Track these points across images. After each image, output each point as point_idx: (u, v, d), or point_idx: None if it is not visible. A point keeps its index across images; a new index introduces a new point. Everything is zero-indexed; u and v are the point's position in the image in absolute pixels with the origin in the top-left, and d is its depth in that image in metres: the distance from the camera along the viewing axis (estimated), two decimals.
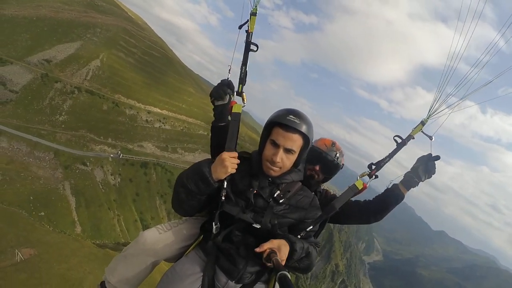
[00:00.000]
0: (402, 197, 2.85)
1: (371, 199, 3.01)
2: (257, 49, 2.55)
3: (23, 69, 77.60)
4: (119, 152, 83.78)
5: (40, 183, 64.77)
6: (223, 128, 2.58)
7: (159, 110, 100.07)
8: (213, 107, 2.61)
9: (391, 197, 2.86)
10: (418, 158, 2.81)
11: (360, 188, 2.75)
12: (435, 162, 2.76)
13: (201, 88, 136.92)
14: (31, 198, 60.16)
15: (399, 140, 2.86)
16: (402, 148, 2.89)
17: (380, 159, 2.89)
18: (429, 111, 2.82)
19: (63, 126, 76.93)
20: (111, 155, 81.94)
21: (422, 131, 2.84)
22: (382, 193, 2.94)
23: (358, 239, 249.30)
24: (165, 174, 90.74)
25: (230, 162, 2.13)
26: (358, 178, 2.82)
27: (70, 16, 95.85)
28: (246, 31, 2.57)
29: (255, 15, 2.56)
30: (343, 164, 3.21)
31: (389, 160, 2.87)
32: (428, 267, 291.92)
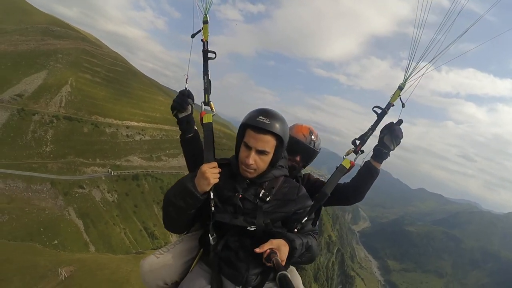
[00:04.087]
0: (377, 171, 2.80)
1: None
2: (216, 56, 2.59)
3: None
4: (110, 170, 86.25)
5: (46, 213, 66.18)
6: (193, 139, 2.68)
7: (136, 123, 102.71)
8: (176, 120, 2.62)
9: (366, 175, 2.82)
10: (381, 129, 2.77)
11: (348, 167, 2.74)
12: (400, 126, 2.71)
13: (168, 95, 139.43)
14: (41, 229, 61.85)
15: (379, 111, 2.78)
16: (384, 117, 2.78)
17: (363, 133, 2.84)
18: (405, 75, 2.70)
19: (51, 156, 78.25)
20: (103, 175, 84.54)
21: (399, 97, 2.73)
22: (357, 172, 2.89)
23: (343, 211, 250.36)
24: (156, 182, 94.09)
25: (211, 173, 2.16)
26: (344, 157, 2.79)
27: (29, 47, 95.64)
28: (202, 40, 2.60)
29: (207, 23, 2.58)
30: (320, 149, 3.26)
31: (372, 133, 2.82)
32: (414, 223, 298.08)
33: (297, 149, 3.02)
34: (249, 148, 2.14)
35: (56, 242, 61.78)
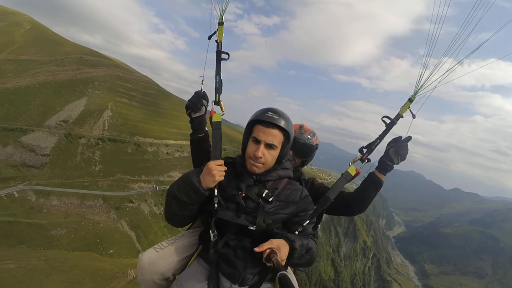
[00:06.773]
0: (381, 183, 2.78)
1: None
2: (229, 57, 2.61)
3: (46, 134, 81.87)
4: (154, 185, 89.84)
5: (101, 226, 70.09)
6: (203, 139, 2.71)
7: (174, 142, 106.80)
8: (189, 119, 2.65)
9: (370, 186, 2.80)
10: (389, 142, 2.77)
11: (353, 174, 2.74)
12: (407, 143, 2.69)
13: None
14: (98, 240, 65.88)
15: (388, 121, 2.77)
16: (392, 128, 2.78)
17: (370, 142, 2.83)
18: (415, 87, 2.70)
19: (101, 174, 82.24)
20: (149, 190, 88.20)
21: (409, 109, 2.72)
22: (361, 183, 2.90)
23: (377, 216, 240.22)
24: None
25: (217, 170, 2.17)
26: (350, 164, 2.77)
27: (67, 76, 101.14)
28: (216, 41, 2.62)
29: (222, 24, 2.63)
30: (317, 144, 3.27)
31: (380, 142, 2.81)
32: (450, 225, 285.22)
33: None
34: (258, 142, 2.17)
35: (111, 251, 65.35)
